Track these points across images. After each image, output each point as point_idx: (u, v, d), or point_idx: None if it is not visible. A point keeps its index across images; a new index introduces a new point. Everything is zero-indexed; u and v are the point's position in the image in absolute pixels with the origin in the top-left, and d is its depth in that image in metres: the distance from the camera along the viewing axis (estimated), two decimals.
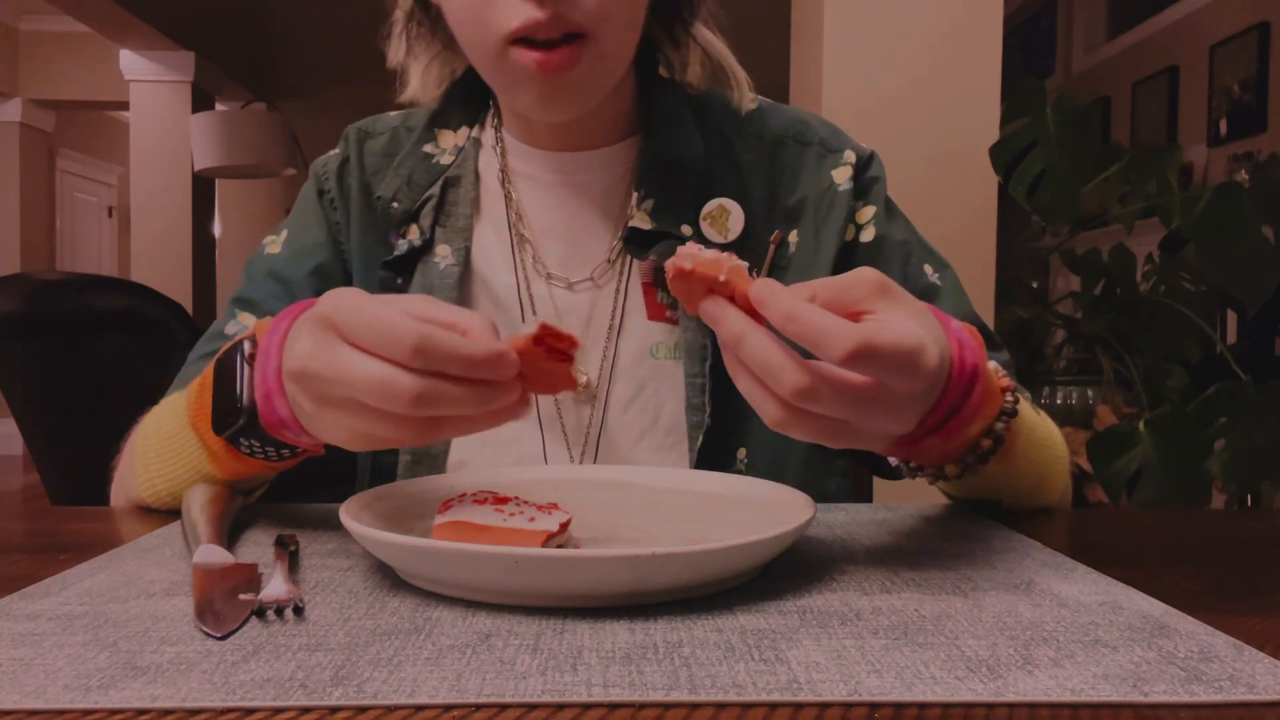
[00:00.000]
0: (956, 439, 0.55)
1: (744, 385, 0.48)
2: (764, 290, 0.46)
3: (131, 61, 5.20)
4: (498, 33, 0.65)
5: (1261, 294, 1.81)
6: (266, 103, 4.89)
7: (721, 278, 0.48)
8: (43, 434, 1.69)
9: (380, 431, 0.47)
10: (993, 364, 0.59)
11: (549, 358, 0.48)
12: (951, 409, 0.53)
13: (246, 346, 0.57)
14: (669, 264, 0.49)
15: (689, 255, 0.48)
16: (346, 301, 0.46)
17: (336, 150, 0.83)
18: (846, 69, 1.78)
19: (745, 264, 0.48)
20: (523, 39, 0.64)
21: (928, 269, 0.78)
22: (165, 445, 0.65)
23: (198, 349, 0.79)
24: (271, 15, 4.85)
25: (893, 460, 0.61)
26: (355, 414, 0.47)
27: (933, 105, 1.77)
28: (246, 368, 0.56)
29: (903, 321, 0.47)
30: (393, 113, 0.85)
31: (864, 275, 0.48)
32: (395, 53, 0.81)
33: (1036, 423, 0.66)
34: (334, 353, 0.46)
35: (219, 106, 5.55)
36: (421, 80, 0.82)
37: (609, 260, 0.77)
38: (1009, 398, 0.58)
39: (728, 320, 0.47)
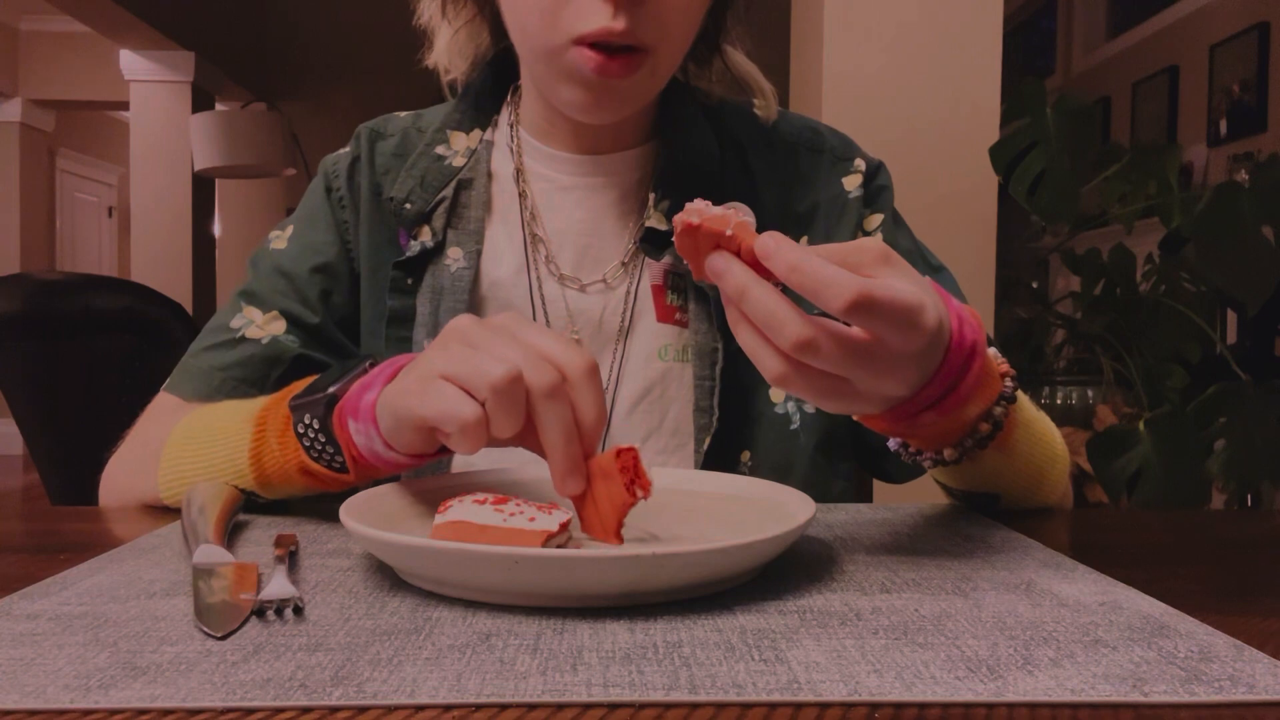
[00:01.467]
0: (955, 416, 0.55)
1: (745, 340, 0.49)
2: (769, 242, 0.47)
3: (131, 61, 5.19)
4: (566, 32, 0.65)
5: (1261, 294, 1.81)
6: (266, 103, 4.89)
7: (728, 232, 0.48)
8: (43, 434, 1.69)
9: (487, 392, 0.48)
10: (992, 350, 0.59)
11: (618, 477, 0.49)
12: (950, 383, 0.53)
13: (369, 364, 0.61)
14: (676, 219, 0.49)
15: (696, 210, 0.49)
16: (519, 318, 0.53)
17: (347, 149, 0.83)
18: (846, 69, 1.78)
19: (752, 219, 0.49)
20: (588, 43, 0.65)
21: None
22: (206, 436, 0.66)
23: (200, 341, 0.79)
24: (271, 15, 4.85)
25: (892, 444, 0.61)
26: (488, 362, 0.49)
27: (933, 105, 1.77)
28: (368, 367, 0.59)
29: (903, 283, 0.48)
30: (403, 113, 0.85)
31: (868, 243, 0.49)
32: (426, 9, 0.80)
33: (1036, 418, 0.66)
34: (498, 328, 0.52)
35: (219, 106, 5.54)
36: (447, 47, 0.81)
37: (622, 262, 0.78)
38: (1008, 383, 0.59)
39: (732, 273, 0.48)
